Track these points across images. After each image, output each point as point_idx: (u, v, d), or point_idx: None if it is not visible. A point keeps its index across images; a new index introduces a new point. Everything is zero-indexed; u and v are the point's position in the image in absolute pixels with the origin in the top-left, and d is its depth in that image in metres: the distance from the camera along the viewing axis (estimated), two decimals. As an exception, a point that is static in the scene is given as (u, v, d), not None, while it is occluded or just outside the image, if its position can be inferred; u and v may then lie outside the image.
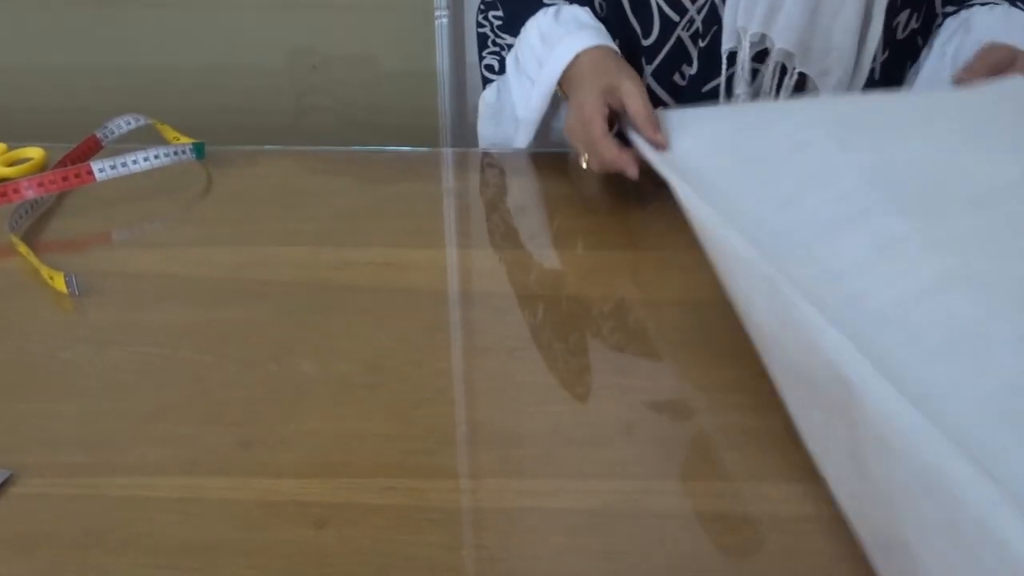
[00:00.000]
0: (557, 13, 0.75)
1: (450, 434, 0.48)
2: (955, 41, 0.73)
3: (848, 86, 0.74)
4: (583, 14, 0.75)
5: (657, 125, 0.63)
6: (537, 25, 0.75)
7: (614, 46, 0.72)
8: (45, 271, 0.61)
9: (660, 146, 0.62)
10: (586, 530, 0.42)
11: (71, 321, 0.59)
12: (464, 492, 0.45)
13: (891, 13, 0.73)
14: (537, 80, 0.74)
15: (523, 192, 0.76)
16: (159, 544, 0.41)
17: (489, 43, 0.82)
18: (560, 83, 0.72)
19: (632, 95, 0.65)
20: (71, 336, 0.57)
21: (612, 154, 0.65)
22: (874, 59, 0.74)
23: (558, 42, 0.72)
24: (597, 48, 0.71)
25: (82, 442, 0.48)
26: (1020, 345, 0.40)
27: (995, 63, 0.66)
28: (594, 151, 0.66)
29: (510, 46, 0.78)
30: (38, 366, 0.54)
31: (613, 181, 0.75)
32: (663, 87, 0.78)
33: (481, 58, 0.84)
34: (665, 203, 0.68)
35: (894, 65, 0.77)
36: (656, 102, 0.78)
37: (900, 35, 0.75)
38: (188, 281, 0.62)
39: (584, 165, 0.68)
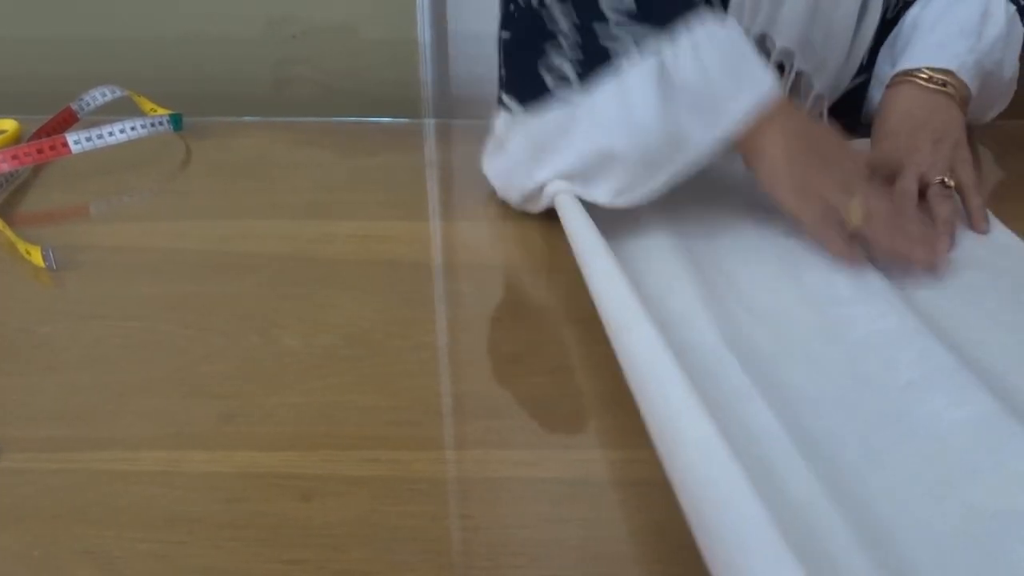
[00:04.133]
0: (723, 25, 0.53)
1: (434, 405, 0.48)
2: (899, 39, 0.70)
3: (840, 74, 0.73)
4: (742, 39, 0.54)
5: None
6: (710, 35, 0.51)
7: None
8: (22, 245, 0.61)
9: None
10: (569, 499, 0.42)
11: (49, 295, 0.58)
12: (448, 463, 0.45)
13: None
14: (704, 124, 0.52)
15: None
16: (142, 517, 0.41)
17: (568, 32, 0.52)
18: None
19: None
20: (50, 310, 0.56)
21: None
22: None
23: (743, 78, 0.52)
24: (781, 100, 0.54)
25: (63, 416, 0.47)
26: None
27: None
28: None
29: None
30: (16, 341, 0.53)
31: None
32: None
33: (541, 52, 0.54)
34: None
35: (879, 47, 0.75)
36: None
37: (890, 14, 0.73)
38: (168, 254, 0.61)
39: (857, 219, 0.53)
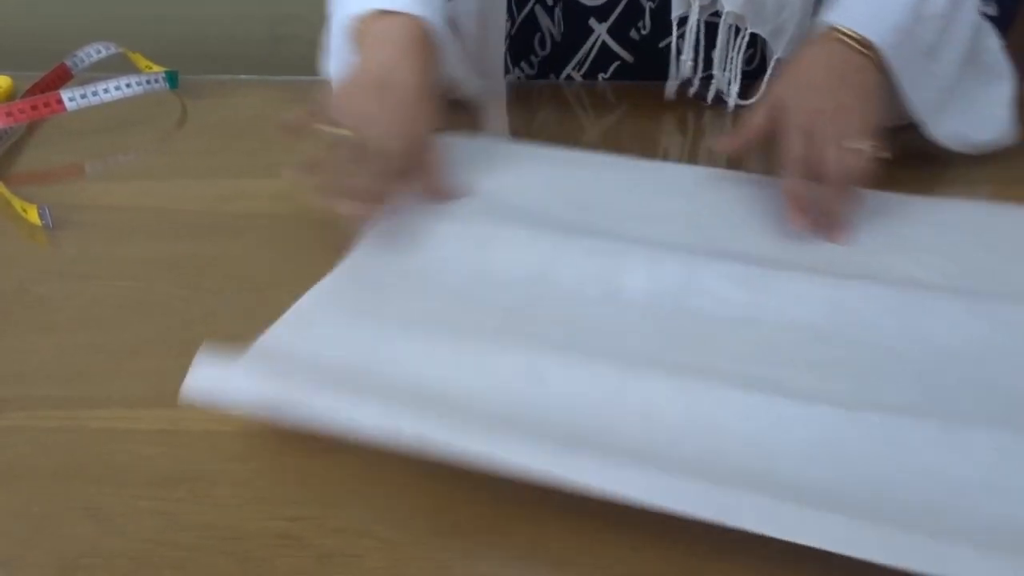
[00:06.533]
0: None
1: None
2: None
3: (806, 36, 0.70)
4: None
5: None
6: None
7: (436, 26, 0.58)
8: (17, 203, 0.60)
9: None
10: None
11: (45, 254, 0.58)
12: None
13: None
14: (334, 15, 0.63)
15: (498, 120, 0.75)
16: (141, 475, 0.41)
17: None
18: (352, 35, 0.60)
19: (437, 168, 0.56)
20: (46, 269, 0.56)
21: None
22: None
23: None
24: (412, 20, 0.57)
25: (60, 376, 0.47)
26: None
27: (763, 132, 0.58)
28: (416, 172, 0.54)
29: None
30: (12, 300, 0.53)
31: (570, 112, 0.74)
32: (620, 44, 0.75)
33: None
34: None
35: None
36: (613, 58, 0.76)
37: None
38: (164, 214, 0.61)
39: (338, 133, 0.52)
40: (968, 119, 0.64)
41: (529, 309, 0.49)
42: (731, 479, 0.38)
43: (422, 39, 0.57)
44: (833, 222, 0.55)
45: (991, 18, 0.66)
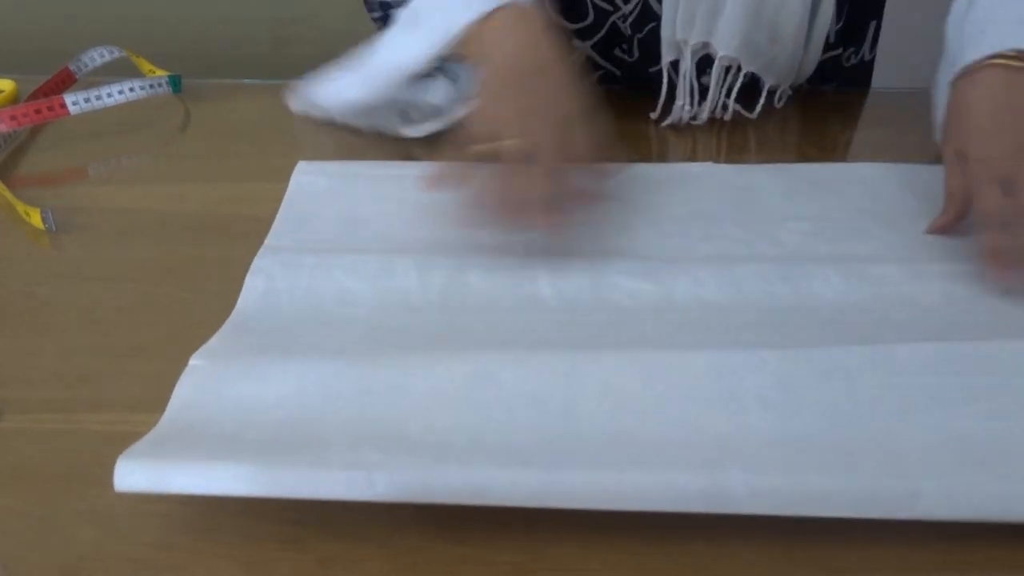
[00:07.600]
0: None
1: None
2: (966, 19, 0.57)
3: (801, 63, 0.70)
4: None
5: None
6: None
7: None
8: (20, 207, 0.60)
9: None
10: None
11: (48, 257, 0.58)
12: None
13: None
14: (427, 28, 0.59)
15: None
16: (143, 478, 0.41)
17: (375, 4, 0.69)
18: (465, 44, 0.57)
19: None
20: (49, 272, 0.56)
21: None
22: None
23: None
24: (527, 9, 0.55)
25: (63, 378, 0.48)
26: None
27: (964, 194, 0.53)
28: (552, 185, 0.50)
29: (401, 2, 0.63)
30: (16, 302, 0.53)
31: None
32: (607, 60, 0.75)
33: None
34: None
35: (854, 28, 0.72)
36: (598, 67, 0.75)
37: None
38: (167, 217, 0.61)
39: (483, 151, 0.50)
40: None
41: (449, 326, 0.49)
42: (707, 447, 0.39)
43: (546, 21, 0.55)
44: None
45: None
